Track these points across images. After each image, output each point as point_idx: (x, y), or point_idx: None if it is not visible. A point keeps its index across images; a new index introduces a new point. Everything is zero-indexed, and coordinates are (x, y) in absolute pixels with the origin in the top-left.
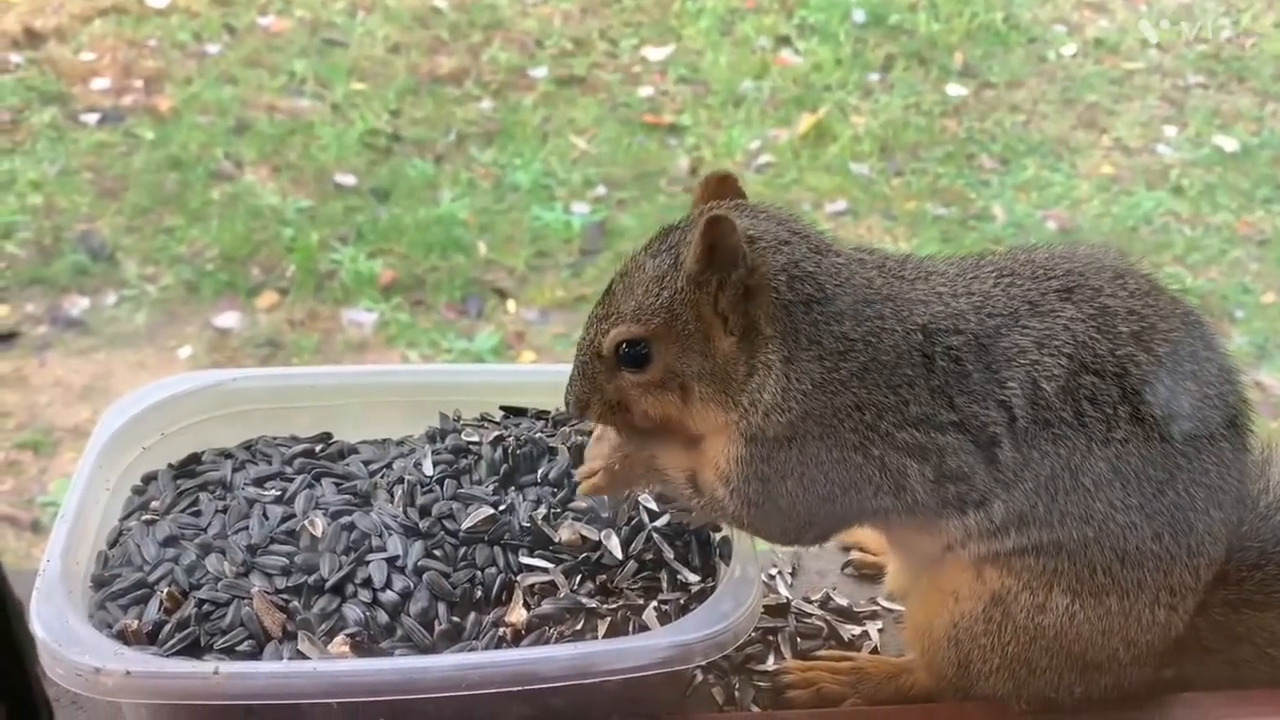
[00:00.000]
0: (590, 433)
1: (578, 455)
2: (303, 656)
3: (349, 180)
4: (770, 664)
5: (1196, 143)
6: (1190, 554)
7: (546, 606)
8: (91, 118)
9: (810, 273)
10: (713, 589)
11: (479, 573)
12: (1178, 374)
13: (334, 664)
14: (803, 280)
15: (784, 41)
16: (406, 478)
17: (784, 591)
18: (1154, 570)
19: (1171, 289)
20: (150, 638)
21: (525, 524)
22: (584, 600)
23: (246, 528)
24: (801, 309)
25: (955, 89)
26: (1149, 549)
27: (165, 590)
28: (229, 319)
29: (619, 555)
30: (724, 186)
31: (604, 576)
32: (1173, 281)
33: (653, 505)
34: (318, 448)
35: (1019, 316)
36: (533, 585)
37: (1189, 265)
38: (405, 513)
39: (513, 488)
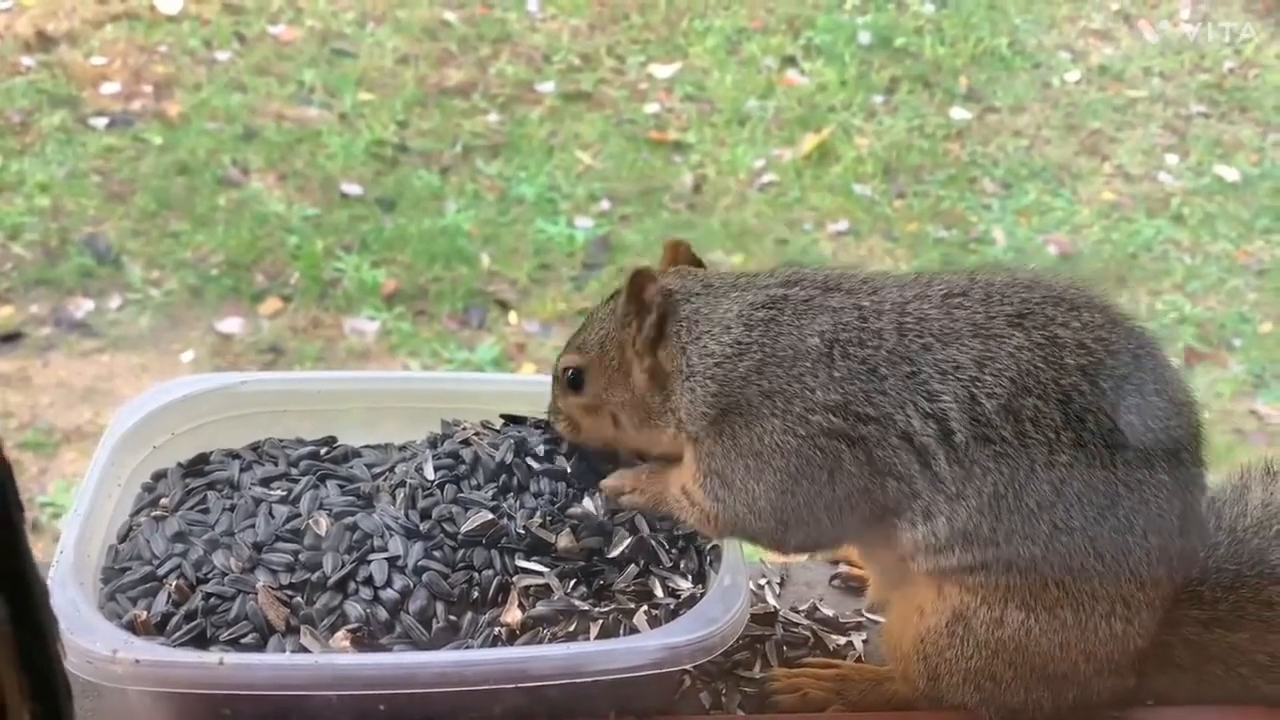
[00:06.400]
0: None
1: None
2: (305, 650)
3: (355, 189)
4: (757, 671)
5: (1198, 171)
6: (1133, 572)
7: (541, 608)
8: (101, 122)
9: (705, 315)
10: (702, 596)
11: (476, 574)
12: (1122, 408)
13: (335, 658)
14: (697, 322)
15: (790, 62)
16: (408, 481)
17: (772, 601)
18: (1102, 585)
19: (1131, 321)
20: (158, 628)
21: (522, 530)
22: (577, 603)
23: (253, 525)
24: (694, 343)
25: (959, 112)
26: (1093, 566)
27: (174, 583)
28: (232, 324)
29: (615, 559)
30: (677, 252)
31: (598, 581)
32: (1171, 309)
33: None
34: (323, 450)
35: (959, 336)
36: (528, 587)
37: (1188, 293)
38: (406, 515)
39: (511, 494)
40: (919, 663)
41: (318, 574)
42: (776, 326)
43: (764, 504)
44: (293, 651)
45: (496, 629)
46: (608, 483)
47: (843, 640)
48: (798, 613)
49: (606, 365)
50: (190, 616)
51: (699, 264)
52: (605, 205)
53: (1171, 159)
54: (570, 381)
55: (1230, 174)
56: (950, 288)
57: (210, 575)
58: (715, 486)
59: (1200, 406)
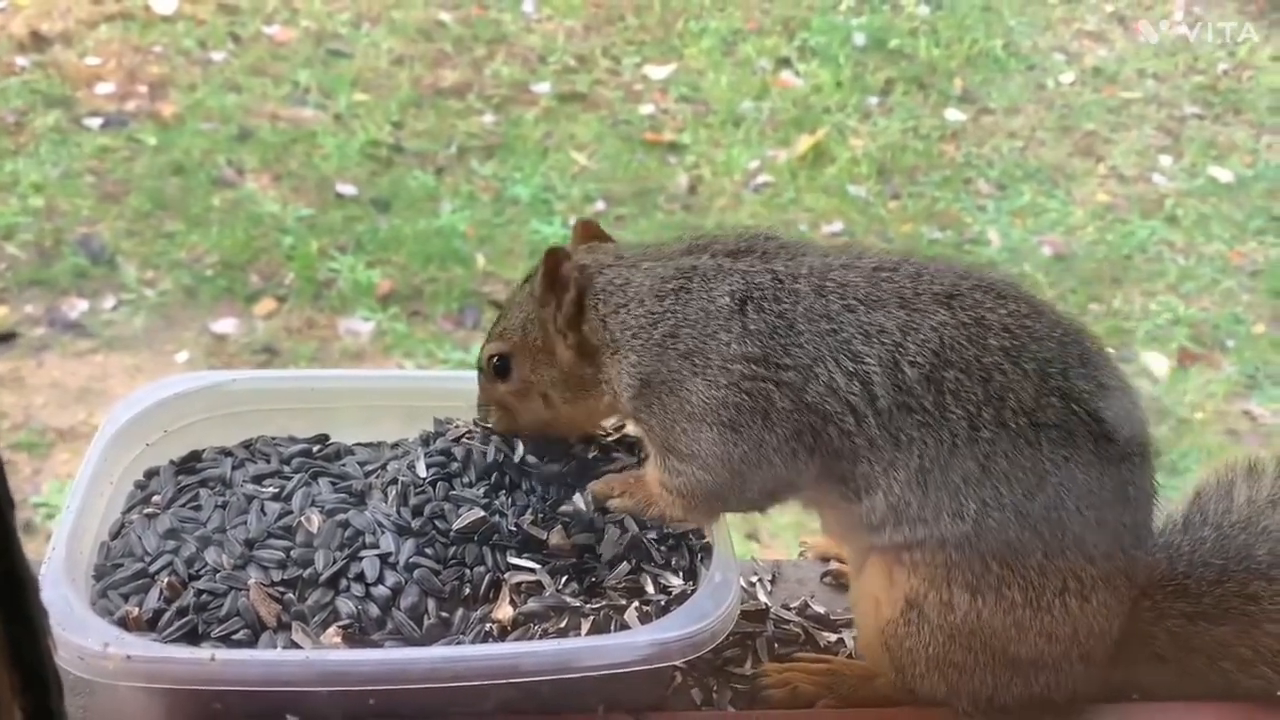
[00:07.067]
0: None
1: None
2: (296, 646)
3: (350, 190)
4: (748, 667)
5: (1192, 173)
6: (1076, 548)
7: (532, 604)
8: (95, 122)
9: (620, 286)
10: (693, 592)
11: (468, 571)
12: (1042, 389)
13: (326, 654)
14: (613, 293)
15: (785, 63)
16: (400, 479)
17: (763, 598)
18: (1048, 561)
19: (1059, 311)
20: (150, 625)
21: (513, 527)
22: (569, 599)
23: (245, 522)
24: (614, 315)
25: (954, 114)
26: (1031, 543)
27: (165, 580)
28: (227, 325)
29: (607, 558)
30: (588, 231)
31: (590, 577)
32: (1165, 310)
33: None
34: (315, 448)
35: (884, 304)
36: (520, 584)
37: (1182, 294)
38: (398, 512)
39: (503, 491)
40: (883, 654)
41: (309, 571)
42: (687, 294)
43: (712, 460)
44: (284, 648)
45: (488, 625)
46: (595, 486)
47: (833, 637)
48: (789, 610)
49: (530, 347)
50: (182, 613)
51: (607, 239)
52: (600, 206)
53: (1165, 160)
54: (497, 369)
55: (1224, 175)
56: (881, 262)
57: (202, 572)
58: (671, 462)
59: (1135, 389)
